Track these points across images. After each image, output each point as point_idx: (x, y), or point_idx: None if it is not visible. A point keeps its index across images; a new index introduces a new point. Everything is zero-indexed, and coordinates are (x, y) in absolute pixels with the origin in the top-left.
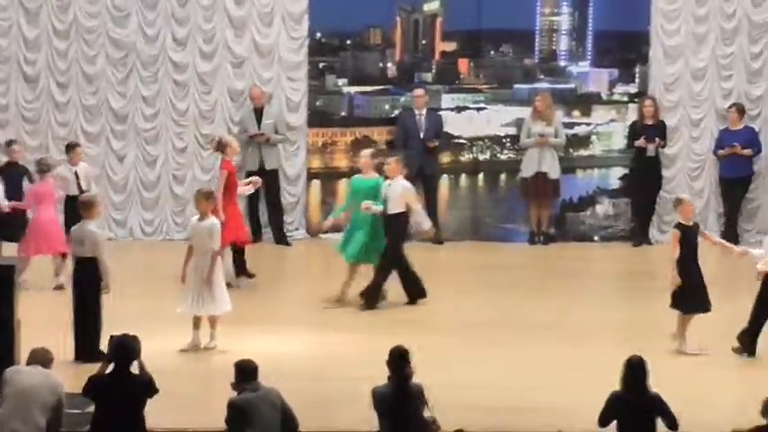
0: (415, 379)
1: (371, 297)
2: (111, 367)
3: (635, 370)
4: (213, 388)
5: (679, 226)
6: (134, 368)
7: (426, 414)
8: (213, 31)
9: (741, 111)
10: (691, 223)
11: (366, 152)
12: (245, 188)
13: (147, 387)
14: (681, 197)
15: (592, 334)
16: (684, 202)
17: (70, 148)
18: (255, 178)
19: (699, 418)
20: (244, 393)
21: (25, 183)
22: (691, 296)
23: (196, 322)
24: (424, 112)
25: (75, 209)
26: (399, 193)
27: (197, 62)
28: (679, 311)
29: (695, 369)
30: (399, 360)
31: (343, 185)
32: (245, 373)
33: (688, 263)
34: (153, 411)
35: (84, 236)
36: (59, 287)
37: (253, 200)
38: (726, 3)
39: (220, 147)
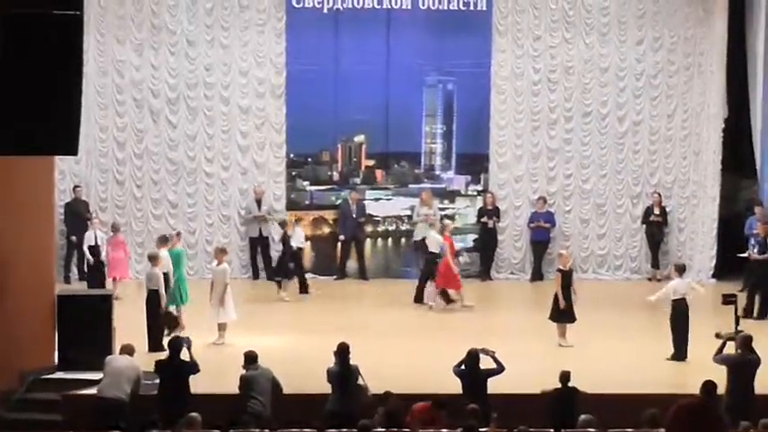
0: (353, 362)
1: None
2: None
3: (473, 357)
4: (229, 368)
5: (560, 270)
6: (185, 356)
7: (361, 383)
8: (229, 154)
9: (544, 201)
10: (568, 268)
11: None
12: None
13: (190, 369)
14: (561, 252)
15: (457, 333)
16: (563, 255)
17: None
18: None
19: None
20: (249, 371)
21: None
22: (565, 313)
23: (219, 327)
24: (355, 203)
25: None
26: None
27: (219, 172)
28: (558, 323)
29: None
30: (343, 350)
31: (308, 245)
32: (250, 358)
33: (567, 291)
34: (194, 382)
35: (152, 277)
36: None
37: (253, 254)
38: (533, 136)
39: (446, 228)
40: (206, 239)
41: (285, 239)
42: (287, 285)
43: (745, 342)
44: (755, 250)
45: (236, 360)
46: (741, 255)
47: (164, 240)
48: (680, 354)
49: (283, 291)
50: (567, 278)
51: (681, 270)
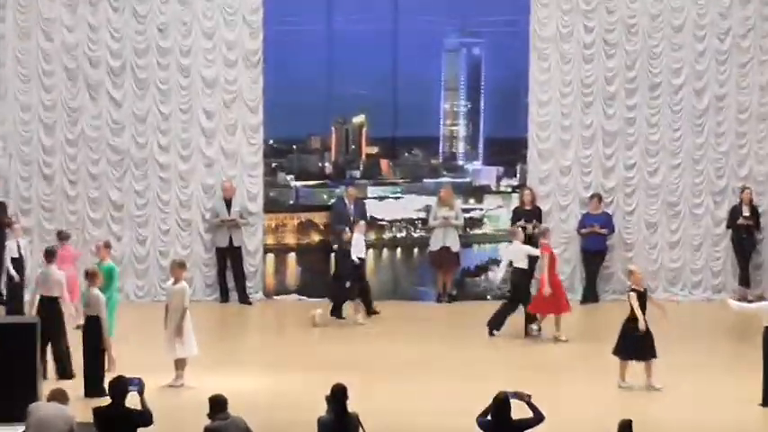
0: (352, 408)
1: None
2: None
3: (501, 405)
4: (188, 417)
5: (634, 290)
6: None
7: None
8: (190, 139)
9: (599, 199)
10: (642, 289)
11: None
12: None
13: (140, 419)
14: (630, 267)
15: (488, 371)
16: (634, 272)
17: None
18: None
19: None
20: (216, 421)
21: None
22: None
23: (175, 364)
24: (352, 202)
25: None
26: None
27: (177, 163)
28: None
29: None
30: (339, 394)
31: (292, 258)
32: (218, 404)
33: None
34: None
35: (90, 299)
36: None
37: (221, 269)
38: (585, 115)
39: (545, 234)
40: (159, 251)
41: (342, 249)
42: (357, 306)
43: None
44: None
45: (199, 407)
46: None
47: (108, 247)
48: None
49: (357, 312)
50: (641, 300)
51: None
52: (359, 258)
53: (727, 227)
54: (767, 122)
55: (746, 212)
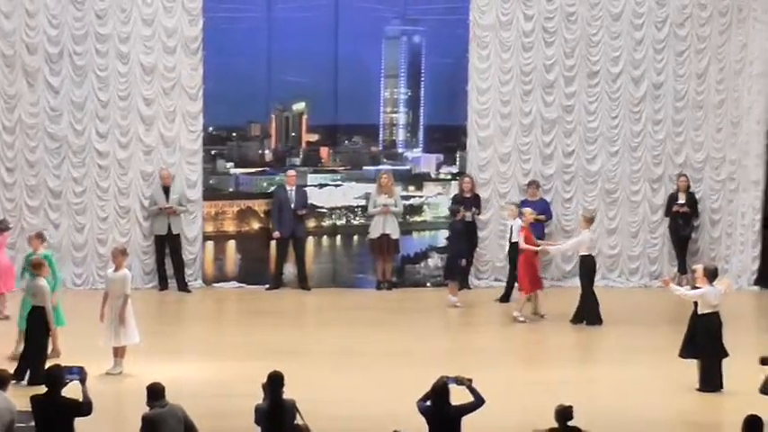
0: (289, 396)
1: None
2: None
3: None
4: (127, 405)
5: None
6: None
7: (299, 422)
8: (128, 127)
9: (537, 186)
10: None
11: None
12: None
13: (79, 409)
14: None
15: (427, 357)
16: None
17: None
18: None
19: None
20: (154, 409)
21: None
22: None
23: (114, 352)
24: (293, 188)
25: None
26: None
27: (116, 150)
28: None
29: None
30: (276, 382)
31: (231, 245)
32: (155, 392)
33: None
34: (82, 425)
35: (36, 289)
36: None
37: (160, 257)
38: (524, 103)
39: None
40: (98, 238)
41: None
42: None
43: None
44: None
45: (138, 395)
46: None
47: (41, 238)
48: (712, 383)
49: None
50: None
51: (712, 275)
52: None
53: (665, 214)
54: (704, 110)
55: (682, 200)
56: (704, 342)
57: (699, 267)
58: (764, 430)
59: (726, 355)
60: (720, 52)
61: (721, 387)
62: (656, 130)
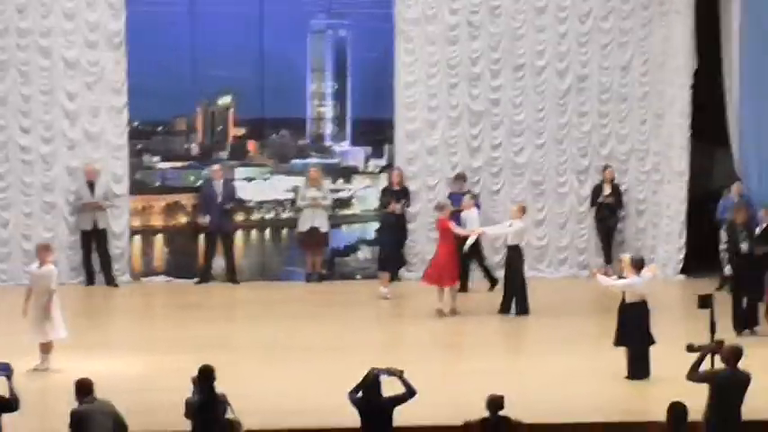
0: (220, 389)
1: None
2: None
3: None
4: (55, 401)
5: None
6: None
7: (231, 416)
8: (52, 121)
9: (464, 179)
10: None
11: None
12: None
13: (3, 404)
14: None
15: (358, 350)
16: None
17: None
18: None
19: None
20: (83, 405)
21: None
22: None
23: (41, 348)
24: (220, 182)
25: None
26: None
27: (40, 146)
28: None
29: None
30: (206, 375)
31: (159, 240)
32: (84, 388)
33: None
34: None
35: None
36: None
37: (87, 252)
38: (450, 96)
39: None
40: (23, 234)
41: None
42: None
43: (735, 355)
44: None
45: (66, 391)
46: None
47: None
48: (640, 370)
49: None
50: None
51: (638, 266)
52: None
53: (591, 205)
54: (628, 102)
55: (608, 191)
56: (632, 330)
57: (625, 257)
58: (688, 417)
59: (653, 342)
60: (643, 45)
61: (648, 374)
62: (582, 122)
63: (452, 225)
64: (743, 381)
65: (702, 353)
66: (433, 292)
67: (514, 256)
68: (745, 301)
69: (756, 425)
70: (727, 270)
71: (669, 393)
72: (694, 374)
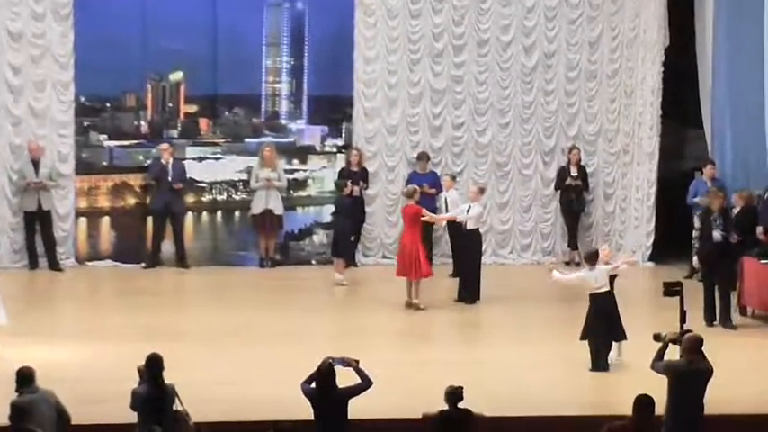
0: (168, 379)
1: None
2: None
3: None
4: None
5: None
6: None
7: (179, 407)
8: None
9: (427, 158)
10: None
11: None
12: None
13: None
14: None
15: (313, 338)
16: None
17: None
18: None
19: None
20: (24, 395)
21: None
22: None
23: None
24: (170, 161)
25: None
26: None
27: None
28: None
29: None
30: (154, 365)
31: (106, 222)
32: (25, 377)
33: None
34: None
35: None
36: None
37: (30, 234)
38: (412, 73)
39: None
40: None
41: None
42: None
43: (696, 345)
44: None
45: (7, 380)
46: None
47: None
48: (601, 362)
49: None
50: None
51: (591, 260)
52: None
53: (556, 188)
54: (597, 80)
55: (574, 173)
56: (593, 322)
57: (605, 248)
58: (655, 410)
59: (622, 337)
60: (613, 21)
61: (607, 368)
62: (548, 101)
63: (424, 212)
64: (703, 372)
65: (664, 343)
66: (390, 279)
67: (474, 240)
68: (716, 290)
69: (727, 419)
70: (695, 262)
71: (635, 385)
72: (656, 365)
